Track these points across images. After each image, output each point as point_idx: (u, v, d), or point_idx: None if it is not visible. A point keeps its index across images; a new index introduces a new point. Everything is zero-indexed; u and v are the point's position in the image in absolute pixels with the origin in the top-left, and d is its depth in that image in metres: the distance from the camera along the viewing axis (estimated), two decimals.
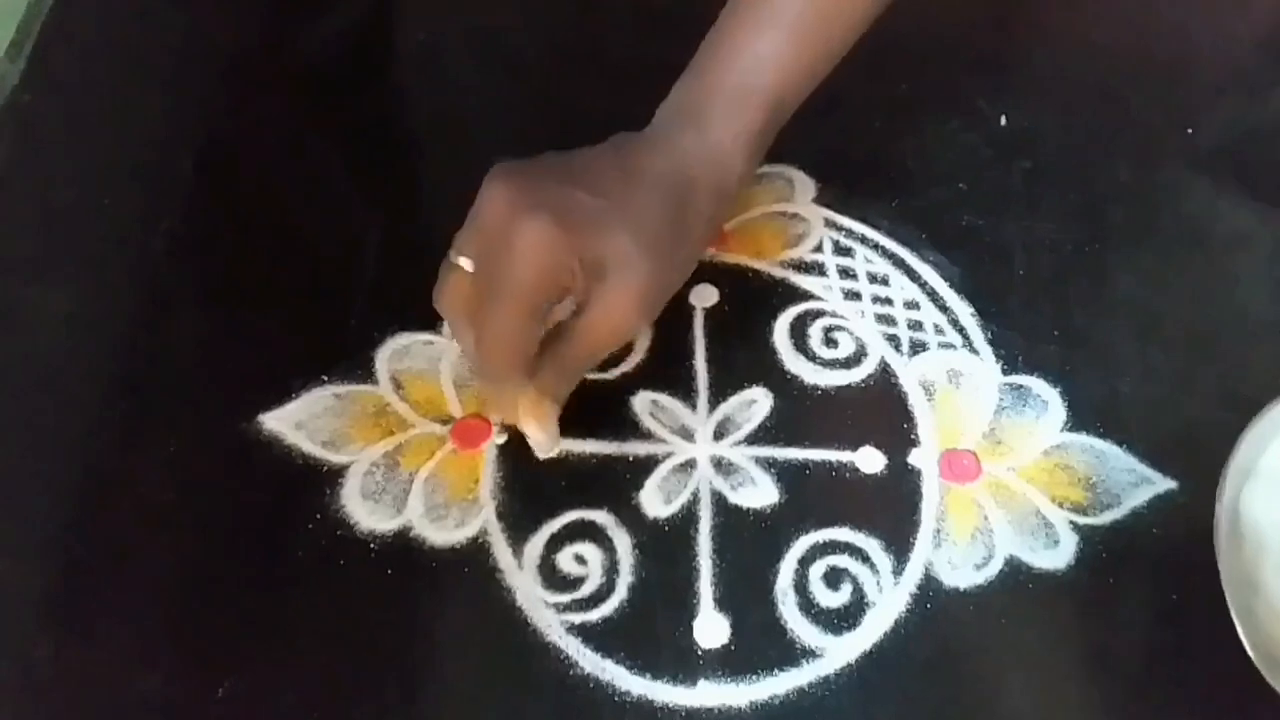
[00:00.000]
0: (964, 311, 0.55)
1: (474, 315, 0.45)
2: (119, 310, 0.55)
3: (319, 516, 0.49)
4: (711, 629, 0.47)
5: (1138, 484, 0.50)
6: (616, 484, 0.50)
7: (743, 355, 0.54)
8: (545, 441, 0.48)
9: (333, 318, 0.54)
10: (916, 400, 0.53)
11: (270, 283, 0.56)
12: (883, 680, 0.46)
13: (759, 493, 0.50)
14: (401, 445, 0.51)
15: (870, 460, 0.51)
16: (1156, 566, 0.48)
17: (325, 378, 0.52)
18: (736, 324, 0.55)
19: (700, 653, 0.46)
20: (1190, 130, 0.62)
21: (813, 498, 0.50)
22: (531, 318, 0.45)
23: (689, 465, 0.51)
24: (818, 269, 0.57)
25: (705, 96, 0.50)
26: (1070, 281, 0.56)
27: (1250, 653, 0.41)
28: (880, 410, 0.52)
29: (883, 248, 0.57)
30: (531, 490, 0.50)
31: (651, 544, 0.48)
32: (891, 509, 0.50)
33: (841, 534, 0.49)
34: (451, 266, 0.46)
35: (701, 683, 0.45)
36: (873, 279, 0.56)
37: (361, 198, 0.59)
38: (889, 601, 0.47)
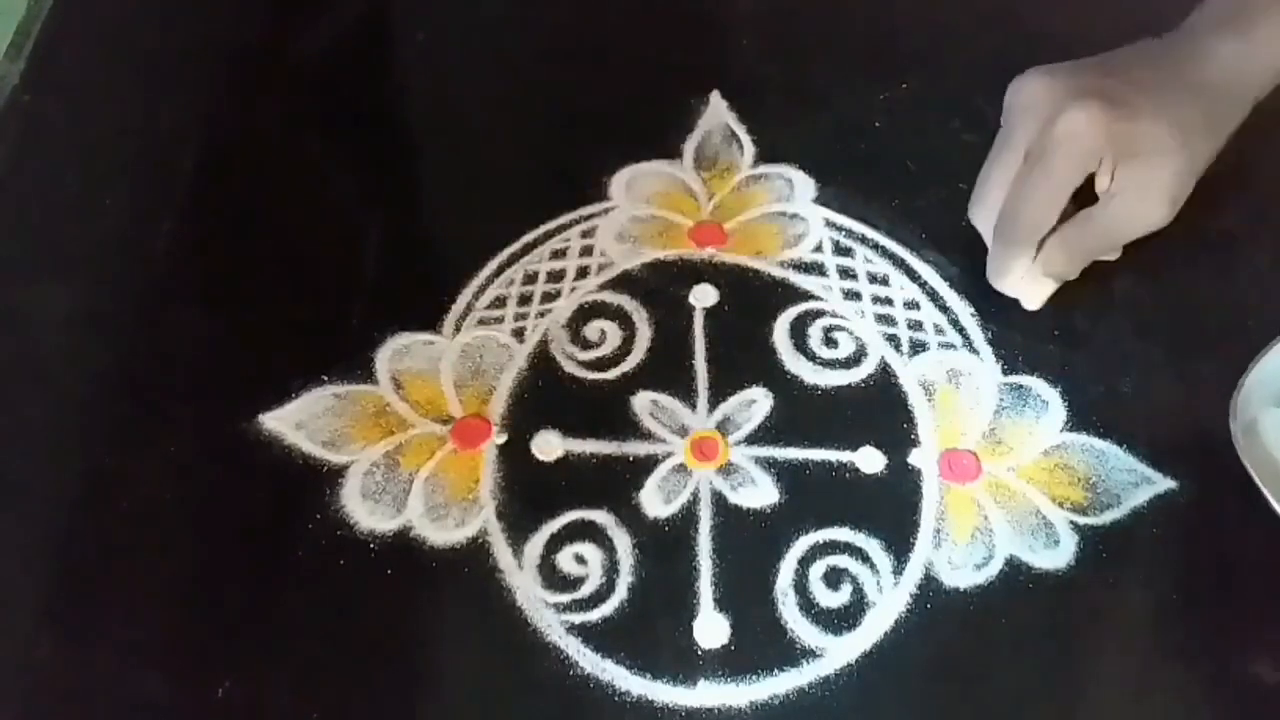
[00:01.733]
0: (964, 311, 0.55)
1: (1012, 182, 0.50)
2: (119, 310, 0.55)
3: (319, 516, 0.49)
4: (711, 629, 0.47)
5: (1138, 484, 0.50)
6: (616, 484, 0.50)
7: (743, 355, 0.54)
8: (1030, 304, 0.53)
9: (333, 318, 0.54)
10: (916, 400, 0.53)
11: (270, 282, 0.56)
12: (883, 680, 0.46)
13: (759, 493, 0.50)
14: (401, 445, 0.51)
15: (870, 460, 0.51)
16: (1156, 566, 0.48)
17: (325, 378, 0.52)
18: (736, 324, 0.55)
19: (700, 653, 0.46)
20: None
21: (813, 498, 0.50)
22: (1062, 196, 0.49)
23: (689, 465, 0.51)
24: (818, 269, 0.57)
25: (1252, 6, 0.51)
26: (1070, 281, 0.56)
27: None
28: (880, 410, 0.52)
29: (883, 248, 0.57)
30: (531, 490, 0.50)
31: (651, 544, 0.48)
32: (891, 509, 0.50)
33: (841, 534, 0.49)
34: (1010, 146, 0.50)
35: (701, 683, 0.45)
36: (873, 279, 0.56)
37: (361, 197, 0.59)
38: (889, 601, 0.47)
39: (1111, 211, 0.49)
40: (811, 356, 0.54)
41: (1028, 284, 0.53)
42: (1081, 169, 0.49)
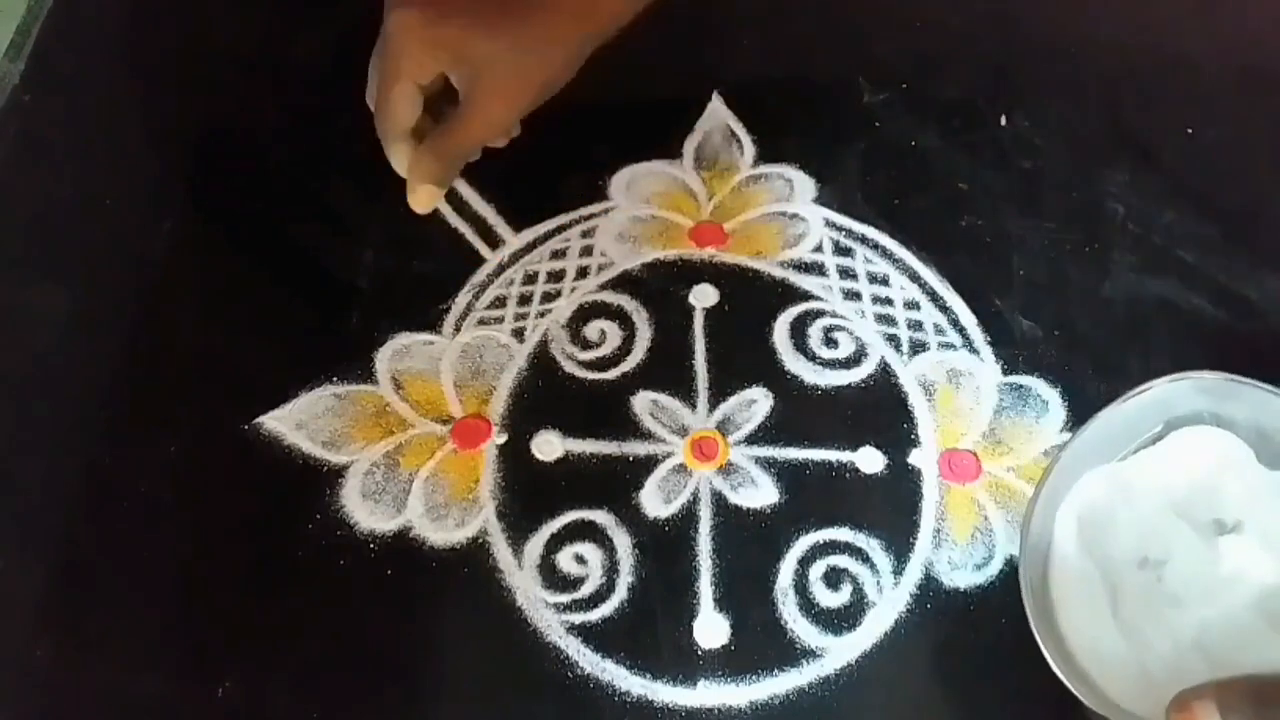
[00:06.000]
0: (964, 311, 0.55)
1: None
2: (119, 310, 0.55)
3: (319, 516, 0.49)
4: (711, 629, 0.47)
5: None
6: (616, 484, 0.50)
7: (743, 355, 0.54)
8: (416, 207, 0.52)
9: (333, 318, 0.55)
10: (916, 400, 0.53)
11: (270, 283, 0.56)
12: (883, 680, 0.46)
13: (759, 493, 0.50)
14: (401, 445, 0.51)
15: (870, 460, 0.51)
16: None
17: (326, 378, 0.52)
18: (736, 324, 0.55)
19: (700, 653, 0.46)
20: (1190, 130, 0.62)
21: (813, 498, 0.50)
22: (398, 88, 0.50)
23: (689, 465, 0.51)
24: (818, 269, 0.57)
25: None
26: (1070, 281, 0.56)
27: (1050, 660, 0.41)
28: (880, 410, 0.52)
29: (883, 248, 0.57)
30: (531, 490, 0.50)
31: (651, 544, 0.49)
32: (891, 509, 0.50)
33: (841, 534, 0.49)
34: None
35: (701, 683, 0.45)
36: (873, 279, 0.56)
37: (361, 198, 0.59)
38: (889, 601, 0.47)
39: (459, 115, 0.50)
40: (811, 356, 0.54)
41: (412, 189, 0.52)
42: (405, 69, 0.50)
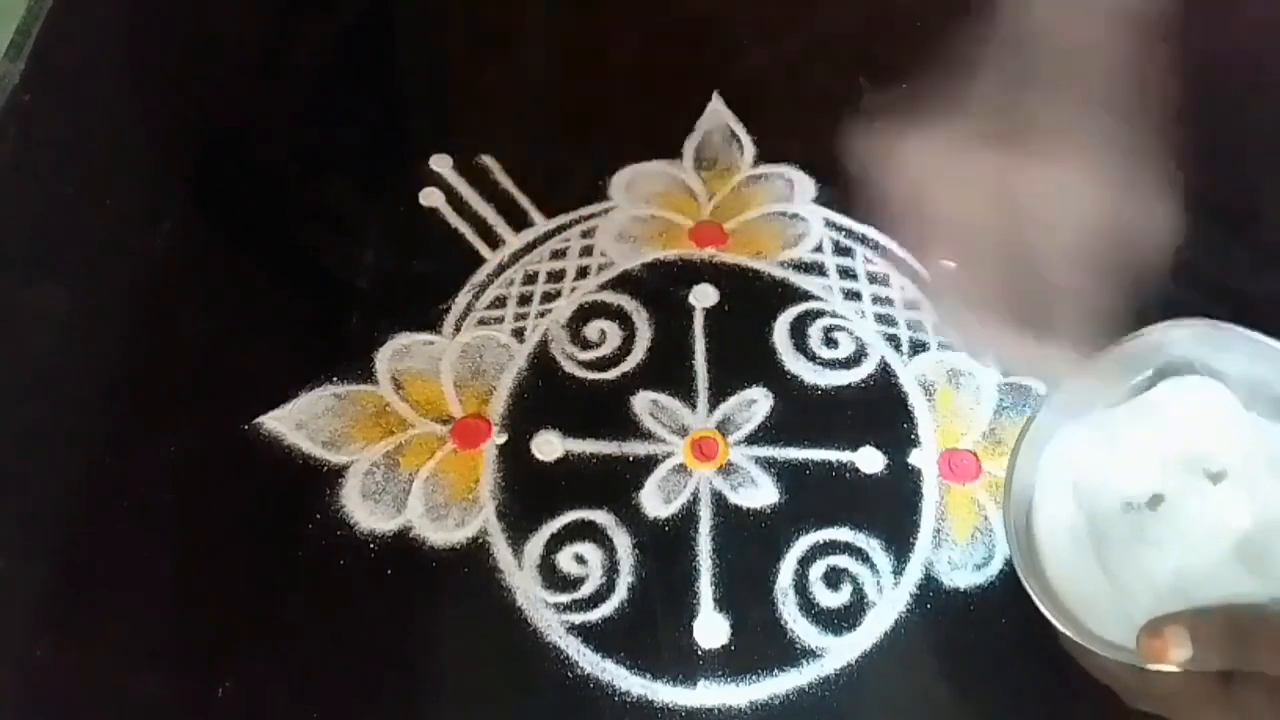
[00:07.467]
0: None
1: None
2: (119, 310, 0.55)
3: (319, 516, 0.49)
4: (711, 629, 0.47)
5: None
6: (616, 484, 0.50)
7: (743, 355, 0.54)
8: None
9: (333, 318, 0.55)
10: (916, 400, 0.53)
11: (270, 283, 0.56)
12: (883, 680, 0.46)
13: (759, 493, 0.50)
14: (401, 445, 0.51)
15: (870, 460, 0.51)
16: None
17: (326, 378, 0.52)
18: (736, 324, 0.55)
19: (700, 653, 0.46)
20: (1190, 130, 0.62)
21: (813, 498, 0.50)
22: None
23: (689, 465, 0.51)
24: (818, 269, 0.57)
25: None
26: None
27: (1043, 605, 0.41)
28: (880, 410, 0.52)
29: (883, 248, 0.57)
30: (531, 490, 0.50)
31: (651, 544, 0.49)
32: (891, 509, 0.50)
33: (841, 534, 0.49)
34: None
35: (701, 683, 0.45)
36: (873, 279, 0.56)
37: (361, 198, 0.59)
38: (889, 601, 0.47)
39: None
40: (811, 356, 0.54)
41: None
42: None
